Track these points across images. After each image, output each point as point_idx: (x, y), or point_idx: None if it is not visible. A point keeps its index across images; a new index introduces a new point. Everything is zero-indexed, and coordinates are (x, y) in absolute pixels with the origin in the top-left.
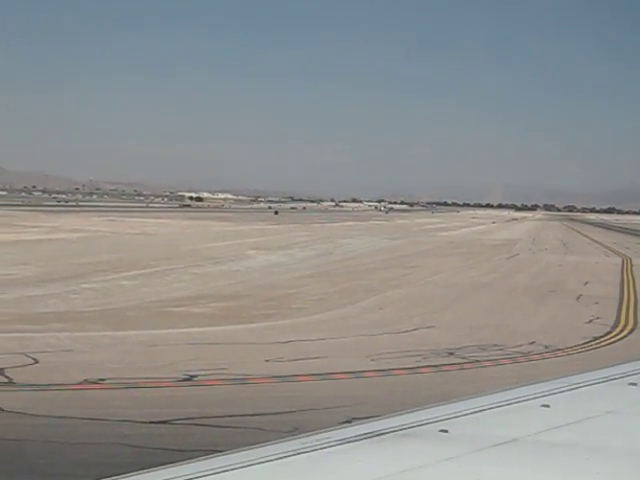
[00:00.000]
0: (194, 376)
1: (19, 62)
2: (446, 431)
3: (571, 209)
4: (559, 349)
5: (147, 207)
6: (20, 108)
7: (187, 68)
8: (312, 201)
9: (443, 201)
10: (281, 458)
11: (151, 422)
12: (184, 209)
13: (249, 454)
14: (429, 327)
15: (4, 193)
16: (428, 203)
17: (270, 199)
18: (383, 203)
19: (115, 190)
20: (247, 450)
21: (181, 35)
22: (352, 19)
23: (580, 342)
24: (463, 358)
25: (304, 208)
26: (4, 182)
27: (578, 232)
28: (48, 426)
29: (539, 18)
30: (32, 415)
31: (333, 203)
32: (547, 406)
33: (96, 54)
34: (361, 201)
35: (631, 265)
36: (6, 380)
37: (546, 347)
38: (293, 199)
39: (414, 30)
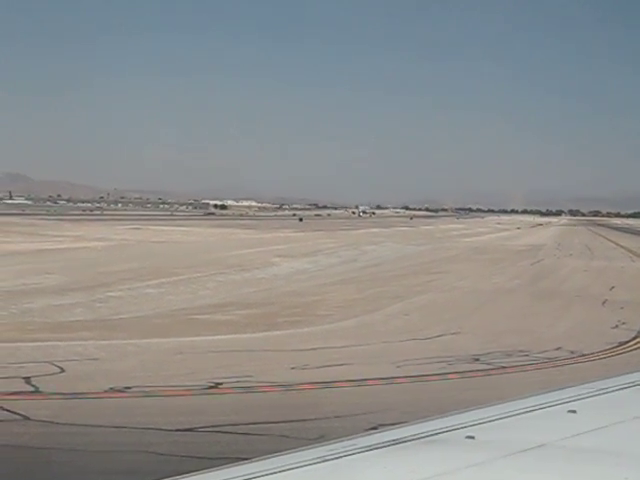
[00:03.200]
0: (219, 383)
1: (44, 71)
2: (472, 437)
3: (596, 214)
4: (585, 354)
5: (172, 215)
6: (45, 118)
7: (211, 76)
8: (336, 208)
9: (467, 207)
10: (307, 465)
11: (177, 430)
12: (208, 217)
13: (275, 461)
14: (454, 333)
15: (29, 202)
16: (457, 209)
17: (294, 206)
18: (362, 207)
19: (140, 198)
20: (272, 457)
21: (205, 42)
22: (371, 26)
23: (606, 347)
24: (489, 364)
25: (328, 215)
26: (29, 191)
27: (604, 237)
28: (74, 434)
29: (558, 22)
30: (58, 424)
31: (360, 210)
32: (574, 412)
33: (121, 62)
34: (387, 208)
35: None
36: (32, 389)
37: (572, 352)
38: (317, 206)
39: (437, 36)
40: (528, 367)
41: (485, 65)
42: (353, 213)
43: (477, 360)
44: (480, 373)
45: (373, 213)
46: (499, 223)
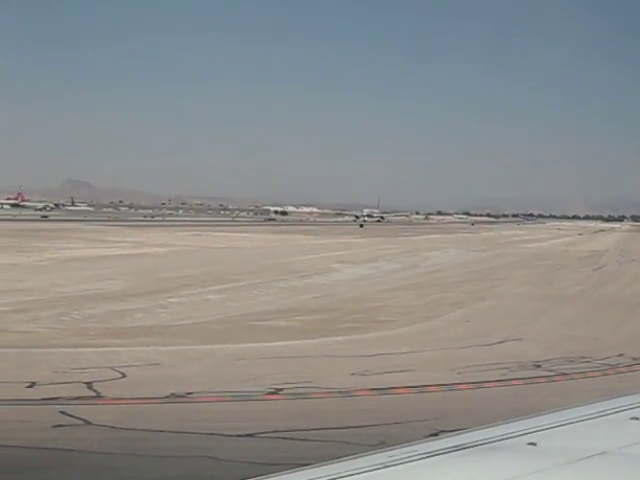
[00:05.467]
0: (280, 389)
1: (102, 80)
2: (534, 444)
3: None
4: None
5: (233, 221)
6: (106, 125)
7: (272, 83)
8: (398, 214)
9: (529, 212)
10: (367, 471)
11: (237, 435)
12: (269, 223)
13: (335, 467)
14: (516, 339)
15: (91, 209)
16: (525, 215)
17: (355, 213)
18: (367, 211)
19: (201, 204)
20: (333, 464)
21: (268, 50)
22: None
23: None
24: (550, 371)
25: (389, 221)
26: (91, 198)
27: None
28: (135, 440)
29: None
30: (120, 429)
31: (422, 216)
32: (637, 419)
33: (184, 67)
34: (450, 214)
35: None
36: (94, 394)
37: (634, 359)
38: (387, 213)
39: (494, 45)
40: (590, 374)
41: (546, 70)
42: (357, 217)
43: (538, 367)
44: (542, 380)
45: (382, 218)
46: (560, 229)
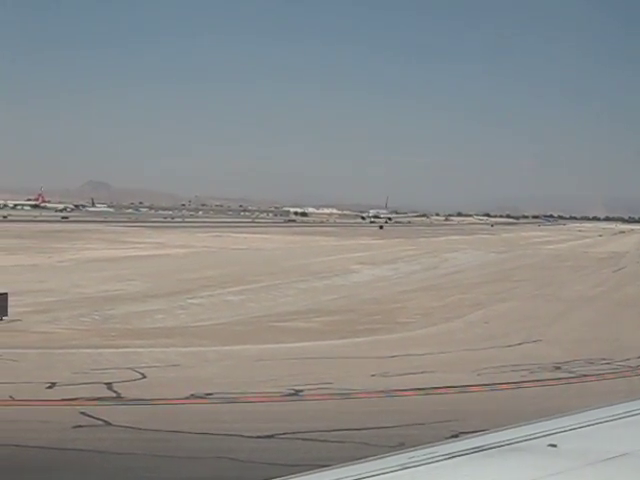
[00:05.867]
0: (300, 391)
1: (122, 81)
2: (555, 445)
3: None
4: None
5: (252, 222)
6: (125, 127)
7: (291, 83)
8: (418, 215)
9: (549, 214)
10: (387, 473)
11: (257, 436)
12: (289, 224)
13: (355, 469)
14: (535, 341)
15: (111, 210)
16: (545, 216)
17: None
18: (373, 211)
19: (221, 206)
20: (353, 465)
21: (276, 49)
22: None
23: None
24: (570, 372)
25: (409, 222)
26: (111, 199)
27: None
28: (155, 441)
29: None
30: (139, 429)
31: (443, 218)
32: None
33: (203, 69)
34: (471, 215)
35: None
36: (114, 395)
37: None
38: (398, 213)
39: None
40: (610, 375)
41: (563, 68)
42: (363, 219)
43: (558, 368)
44: (562, 381)
45: (389, 219)
46: (580, 230)
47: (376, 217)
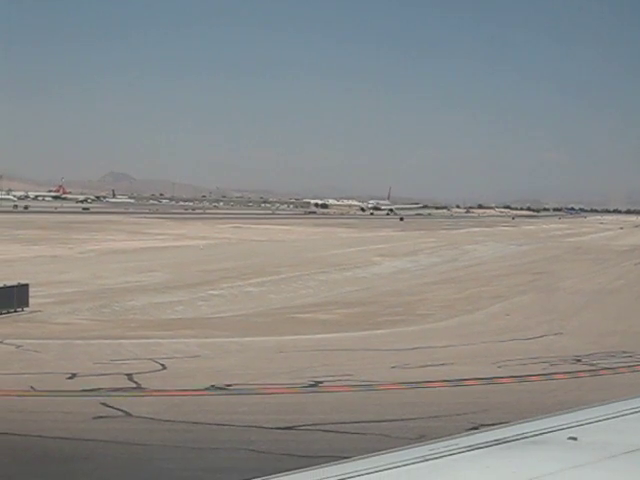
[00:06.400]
0: (320, 382)
1: (144, 72)
2: (575, 438)
3: None
4: None
5: (273, 214)
6: (148, 119)
7: (311, 77)
8: (438, 207)
9: (570, 206)
10: (407, 465)
11: (277, 428)
12: (310, 216)
13: (375, 460)
14: (556, 334)
15: (132, 201)
16: (567, 209)
17: (396, 206)
18: (373, 202)
19: (241, 197)
20: (373, 457)
21: (300, 43)
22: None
23: None
24: (591, 365)
25: (430, 214)
26: (132, 190)
27: None
28: (175, 431)
29: None
30: (160, 420)
31: (464, 210)
32: None
33: (228, 63)
34: (493, 207)
35: None
36: (134, 385)
37: None
38: (418, 205)
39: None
40: (631, 368)
41: (587, 64)
42: (362, 210)
43: (579, 361)
44: (583, 374)
45: (391, 210)
46: (602, 223)
47: (376, 208)
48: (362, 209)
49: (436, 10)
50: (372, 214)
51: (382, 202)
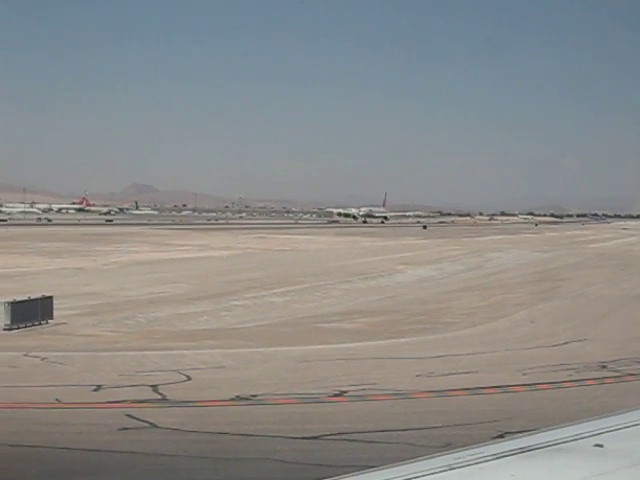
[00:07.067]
0: (345, 391)
1: (162, 81)
2: (601, 446)
3: None
4: None
5: (296, 224)
6: (169, 130)
7: (333, 86)
8: (461, 215)
9: (593, 212)
10: (433, 473)
11: (302, 438)
12: (332, 225)
13: (401, 470)
14: (581, 340)
15: (155, 212)
16: (592, 215)
17: (418, 214)
18: (364, 209)
19: (264, 207)
20: (399, 466)
21: (320, 51)
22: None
23: None
24: (616, 371)
25: (453, 222)
26: (155, 201)
27: None
28: (201, 442)
29: None
30: (185, 431)
31: (487, 217)
32: None
33: (240, 71)
34: (515, 214)
35: None
36: (160, 397)
37: None
38: (441, 214)
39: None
40: None
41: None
42: (354, 218)
43: (604, 367)
44: (608, 380)
45: (385, 218)
46: (625, 228)
47: (369, 216)
48: (353, 217)
49: (460, 19)
50: (365, 222)
51: (375, 209)
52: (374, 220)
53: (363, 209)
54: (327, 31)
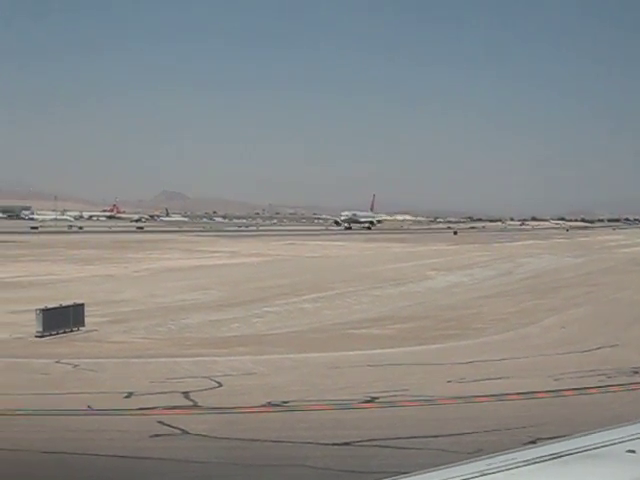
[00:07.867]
0: (376, 397)
1: (192, 88)
2: (633, 451)
3: None
4: None
5: (326, 230)
6: (198, 137)
7: (365, 92)
8: (492, 220)
9: (624, 217)
10: (465, 479)
11: (333, 444)
12: (363, 230)
13: (432, 476)
14: (613, 345)
15: (186, 219)
16: (625, 219)
17: (449, 219)
18: (346, 213)
19: (294, 213)
20: (431, 472)
21: (339, 58)
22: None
23: None
24: None
25: (483, 227)
26: (185, 208)
27: None
28: (232, 449)
29: None
30: (216, 438)
31: (518, 222)
32: None
33: (271, 79)
34: (547, 219)
35: None
36: (191, 403)
37: None
38: (472, 219)
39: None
40: None
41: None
42: (337, 224)
43: (637, 373)
44: None
45: (371, 223)
46: None
47: (354, 222)
48: (336, 223)
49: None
50: (349, 228)
51: (361, 213)
52: (360, 225)
53: (345, 213)
54: (353, 38)
